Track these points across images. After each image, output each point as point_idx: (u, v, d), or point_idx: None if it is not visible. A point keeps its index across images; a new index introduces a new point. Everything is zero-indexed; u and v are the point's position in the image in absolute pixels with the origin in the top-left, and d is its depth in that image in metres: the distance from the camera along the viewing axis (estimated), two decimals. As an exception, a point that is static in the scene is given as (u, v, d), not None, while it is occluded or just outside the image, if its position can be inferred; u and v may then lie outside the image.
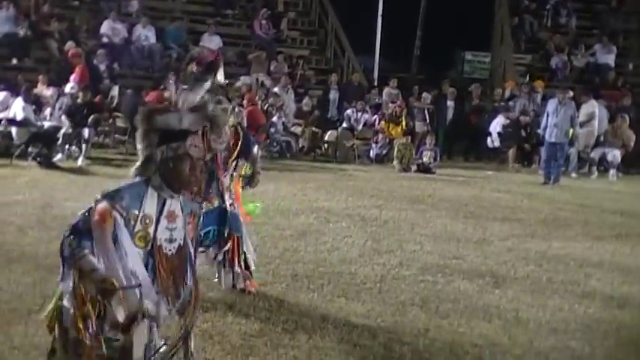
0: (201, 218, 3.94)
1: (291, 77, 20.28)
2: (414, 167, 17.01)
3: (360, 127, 18.97)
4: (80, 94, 15.80)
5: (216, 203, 6.37)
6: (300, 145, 18.69)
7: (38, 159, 14.17)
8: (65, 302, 3.54)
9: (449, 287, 7.30)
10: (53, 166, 13.98)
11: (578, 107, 17.25)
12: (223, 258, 6.58)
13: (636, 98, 20.95)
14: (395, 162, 17.26)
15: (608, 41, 23.47)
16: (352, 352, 5.49)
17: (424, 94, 20.03)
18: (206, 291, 6.18)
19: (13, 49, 18.61)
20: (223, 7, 22.68)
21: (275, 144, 17.95)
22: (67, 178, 12.74)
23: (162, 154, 3.56)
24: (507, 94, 21.10)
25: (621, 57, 23.76)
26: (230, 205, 6.48)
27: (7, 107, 15.34)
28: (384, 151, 18.47)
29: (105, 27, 19.70)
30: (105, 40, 19.58)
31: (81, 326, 3.43)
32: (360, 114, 19.12)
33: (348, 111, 19.25)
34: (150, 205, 3.55)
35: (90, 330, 3.42)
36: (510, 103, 20.39)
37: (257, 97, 18.28)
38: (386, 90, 20.47)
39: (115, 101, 17.32)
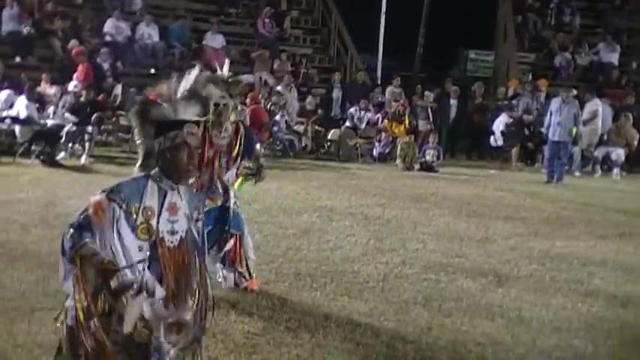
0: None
1: (294, 76, 20.27)
2: (416, 166, 17.00)
3: (363, 125, 18.95)
4: (83, 93, 15.80)
5: (219, 202, 6.36)
6: (304, 144, 18.68)
7: (41, 157, 14.18)
8: (68, 302, 3.54)
9: (452, 286, 7.29)
10: (56, 165, 13.99)
11: (581, 106, 17.22)
12: (225, 257, 6.58)
13: (640, 97, 20.94)
14: (398, 161, 17.25)
15: (612, 40, 23.45)
16: (355, 351, 5.49)
17: (426, 93, 20.01)
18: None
19: (16, 48, 18.62)
20: (227, 5, 22.67)
21: (278, 142, 17.95)
22: (70, 177, 12.75)
23: (160, 145, 3.58)
24: (511, 92, 21.07)
25: (625, 56, 23.74)
26: (234, 203, 6.47)
27: (10, 105, 15.35)
28: (387, 150, 18.46)
29: (108, 25, 19.70)
30: (108, 38, 19.58)
31: (82, 319, 3.44)
32: (363, 113, 19.11)
33: (351, 110, 19.24)
34: (150, 198, 3.55)
35: (91, 326, 3.43)
36: (514, 101, 20.37)
37: (260, 96, 18.31)
38: (389, 89, 20.46)
39: (119, 99, 17.33)
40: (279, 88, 19.23)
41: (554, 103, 16.20)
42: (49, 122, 15.18)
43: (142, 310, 3.46)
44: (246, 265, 6.68)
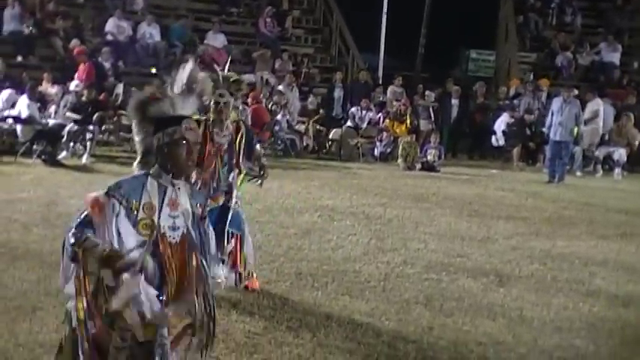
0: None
1: (295, 75, 20.26)
2: (418, 165, 17.00)
3: (365, 125, 18.94)
4: (85, 92, 15.82)
5: (220, 201, 6.36)
6: (305, 144, 18.68)
7: (43, 157, 14.19)
8: (70, 304, 3.54)
9: (453, 286, 7.29)
10: (58, 164, 13.99)
11: (583, 106, 17.21)
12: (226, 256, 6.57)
13: (641, 97, 20.90)
14: (399, 160, 17.25)
15: (614, 40, 23.42)
16: (356, 351, 5.49)
17: (427, 92, 20.00)
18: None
19: (18, 47, 18.62)
20: (228, 5, 22.67)
21: (279, 142, 17.95)
22: (71, 176, 12.76)
23: (159, 141, 3.58)
24: (512, 92, 21.06)
25: (626, 55, 23.72)
26: (235, 203, 6.47)
27: (12, 105, 15.35)
28: (389, 150, 18.46)
29: (110, 25, 19.70)
30: (110, 37, 19.58)
31: (82, 319, 3.44)
32: (364, 112, 19.10)
33: (353, 109, 19.23)
34: (150, 194, 3.55)
35: (91, 326, 3.43)
36: (515, 101, 20.35)
37: (262, 95, 18.32)
38: (390, 88, 20.45)
39: (120, 99, 17.32)
40: (280, 87, 19.23)
41: (556, 103, 16.20)
42: (51, 122, 15.18)
43: (138, 290, 3.44)
44: (245, 264, 6.67)
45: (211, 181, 6.26)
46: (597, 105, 18.55)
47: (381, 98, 20.18)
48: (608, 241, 9.77)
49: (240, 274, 6.61)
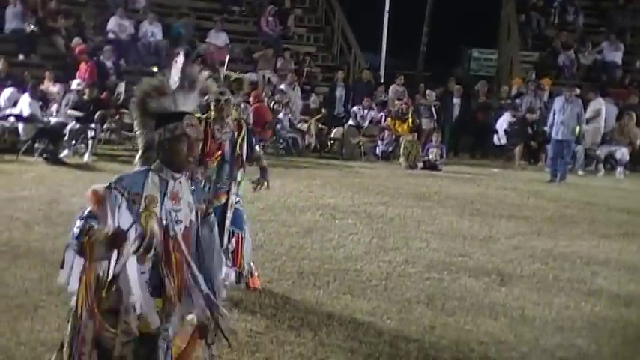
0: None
1: (297, 74, 20.26)
2: (420, 164, 17.01)
3: (367, 124, 18.94)
4: (87, 91, 15.83)
5: (223, 200, 6.36)
6: (307, 142, 18.67)
7: (45, 155, 14.19)
8: (72, 302, 3.55)
9: (455, 285, 7.30)
10: (60, 163, 13.99)
11: (585, 105, 17.21)
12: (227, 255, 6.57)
13: (643, 96, 20.87)
14: (401, 159, 17.25)
15: (616, 39, 23.40)
16: (358, 350, 5.49)
17: (428, 91, 20.00)
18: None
19: (20, 46, 18.63)
20: (230, 3, 22.66)
21: (281, 141, 17.96)
22: (73, 175, 12.76)
23: (160, 136, 3.58)
24: (514, 91, 21.06)
25: (628, 55, 23.69)
26: (236, 202, 6.47)
27: (14, 103, 15.36)
28: (391, 149, 18.46)
29: (112, 23, 19.70)
30: (112, 36, 19.58)
31: (83, 316, 3.45)
32: (366, 111, 19.10)
33: (355, 108, 19.22)
34: (152, 188, 3.56)
35: (90, 324, 3.44)
36: (517, 100, 20.34)
37: (263, 94, 18.32)
38: (392, 87, 20.44)
39: (122, 97, 17.32)
40: (282, 86, 19.24)
41: (558, 102, 16.20)
42: (53, 120, 15.19)
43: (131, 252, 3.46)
44: (244, 263, 6.67)
45: (213, 179, 6.26)
46: (599, 104, 18.54)
47: (383, 97, 20.17)
48: (610, 241, 9.77)
49: (240, 273, 6.61)
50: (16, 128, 15.10)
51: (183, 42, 19.61)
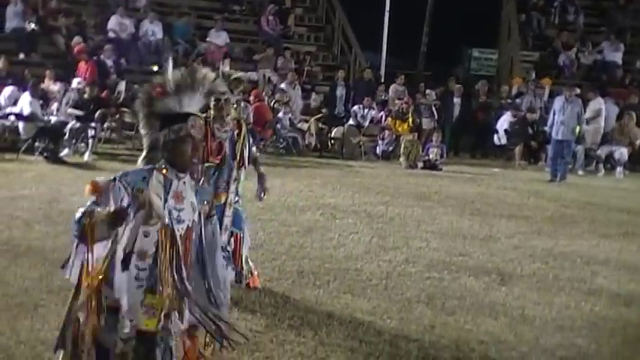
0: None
1: (298, 73, 20.24)
2: (420, 164, 17.00)
3: (367, 123, 18.92)
4: (87, 89, 15.82)
5: (223, 199, 6.35)
6: (307, 142, 18.66)
7: (45, 154, 14.18)
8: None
9: (455, 284, 7.29)
10: (60, 161, 13.98)
11: (585, 105, 17.21)
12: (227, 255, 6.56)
13: (643, 96, 20.86)
14: (401, 159, 17.24)
15: (616, 39, 23.39)
16: (358, 349, 5.49)
17: (428, 91, 20.00)
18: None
19: (20, 44, 18.62)
20: (230, 2, 22.66)
21: (281, 140, 17.95)
22: (73, 173, 12.75)
23: (165, 137, 3.60)
24: (514, 91, 21.04)
25: (629, 54, 23.68)
26: (236, 202, 6.46)
27: (14, 102, 15.36)
28: (391, 148, 18.45)
29: (112, 22, 19.70)
30: (112, 35, 19.58)
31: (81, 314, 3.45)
32: (366, 110, 19.09)
33: (355, 107, 19.21)
34: (156, 186, 3.58)
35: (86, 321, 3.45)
36: (517, 100, 20.34)
37: (264, 93, 18.32)
38: (392, 86, 20.43)
39: (122, 96, 17.33)
40: (282, 85, 19.23)
41: (558, 102, 16.20)
42: (53, 119, 15.19)
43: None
44: (243, 263, 6.66)
45: (214, 179, 6.25)
46: (599, 104, 18.55)
47: (383, 97, 20.17)
48: (610, 240, 9.77)
49: (240, 272, 6.61)
50: (17, 127, 15.10)
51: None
